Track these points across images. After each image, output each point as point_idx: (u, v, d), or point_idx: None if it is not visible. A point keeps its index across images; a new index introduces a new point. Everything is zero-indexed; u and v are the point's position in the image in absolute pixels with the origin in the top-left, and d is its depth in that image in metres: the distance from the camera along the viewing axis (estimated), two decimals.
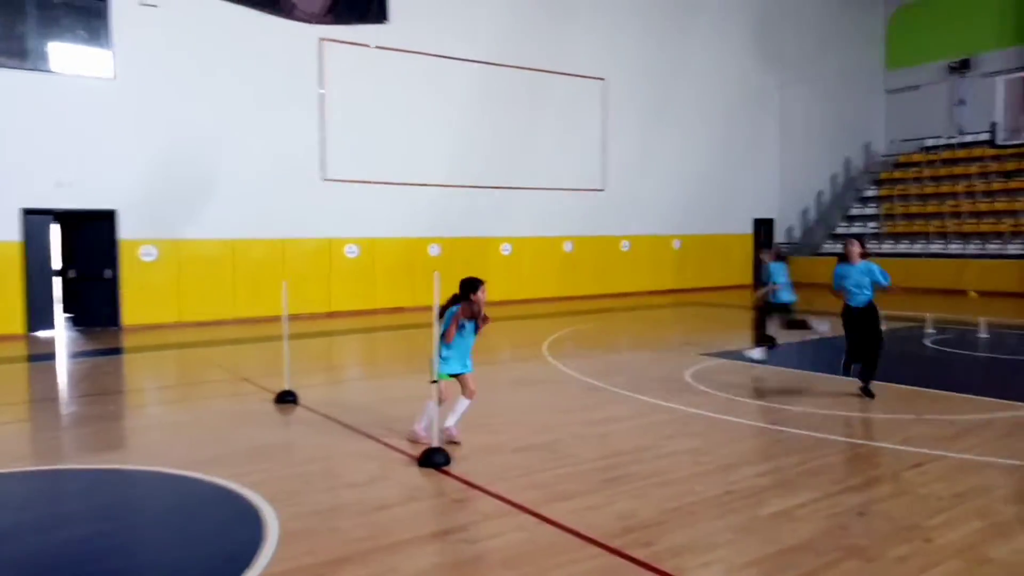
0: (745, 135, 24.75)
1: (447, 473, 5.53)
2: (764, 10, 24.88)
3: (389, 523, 4.61)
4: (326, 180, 16.81)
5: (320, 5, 16.17)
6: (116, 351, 12.37)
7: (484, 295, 6.22)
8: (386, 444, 6.32)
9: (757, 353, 10.30)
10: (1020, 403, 7.52)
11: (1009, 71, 22.72)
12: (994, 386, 8.61)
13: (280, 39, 15.98)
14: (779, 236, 26.15)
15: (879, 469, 5.46)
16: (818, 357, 11.32)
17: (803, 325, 10.39)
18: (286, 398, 8.01)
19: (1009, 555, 4.01)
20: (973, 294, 14.87)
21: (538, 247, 20.17)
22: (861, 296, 7.78)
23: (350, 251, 17.21)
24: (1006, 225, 21.84)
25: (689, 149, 23.24)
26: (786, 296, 10.24)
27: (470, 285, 6.23)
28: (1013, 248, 21.14)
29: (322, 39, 16.50)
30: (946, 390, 8.21)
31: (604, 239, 21.51)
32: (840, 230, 26.08)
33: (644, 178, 22.25)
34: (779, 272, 10.22)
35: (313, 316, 16.28)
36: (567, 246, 20.79)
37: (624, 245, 22.00)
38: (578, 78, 20.55)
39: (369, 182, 17.32)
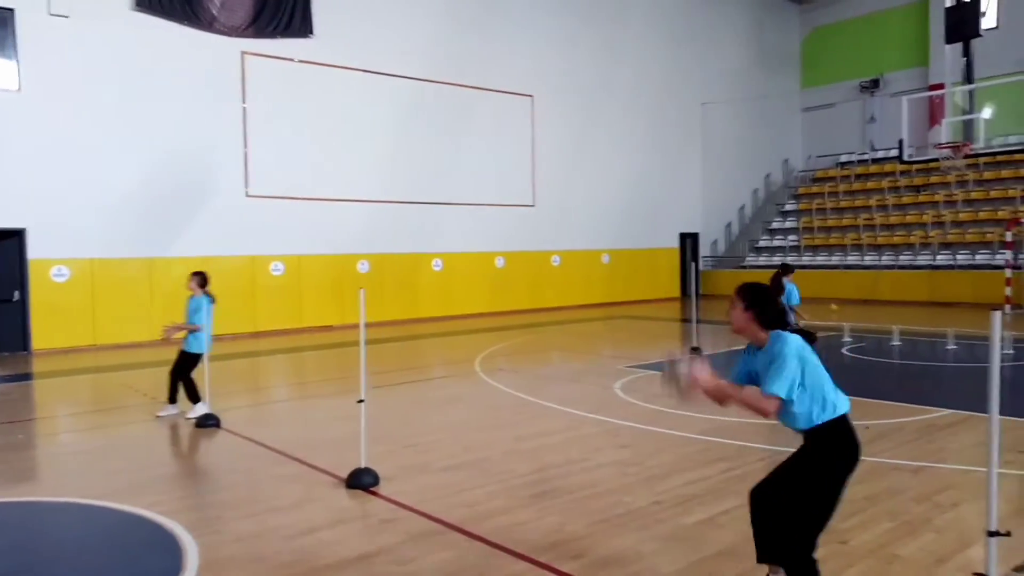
0: (670, 151, 25.38)
1: (375, 494, 5.45)
2: (686, 30, 25.63)
3: (316, 547, 4.50)
4: (250, 196, 16.45)
5: (242, 18, 15.93)
6: (25, 377, 11.76)
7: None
8: (312, 466, 6.18)
9: (170, 410, 8.21)
10: (928, 407, 7.89)
11: (913, 91, 24.00)
12: (906, 391, 9.01)
13: (200, 52, 15.61)
14: (704, 250, 26.86)
15: None
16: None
17: (193, 393, 8.16)
18: (207, 422, 7.75)
19: (915, 552, 4.19)
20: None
21: (470, 263, 20.17)
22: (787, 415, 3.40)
23: (275, 269, 16.86)
24: (915, 237, 22.96)
25: (616, 165, 23.69)
26: (199, 344, 8.09)
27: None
28: (922, 259, 22.22)
29: (244, 52, 16.19)
30: (862, 396, 8.53)
31: (535, 254, 21.67)
32: (763, 243, 26.96)
33: (573, 194, 22.55)
34: (207, 310, 8.12)
35: (237, 336, 15.84)
36: (499, 261, 20.86)
37: (555, 260, 22.21)
38: (506, 95, 20.73)
39: (295, 198, 17.03)
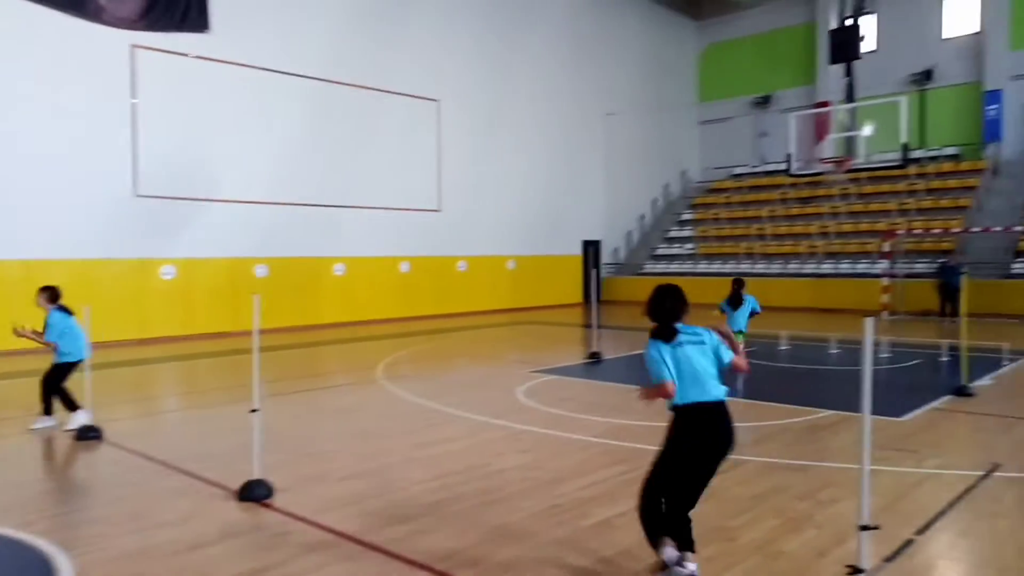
0: (573, 160, 25.83)
1: (268, 506, 5.27)
2: (588, 40, 26.19)
3: (203, 563, 4.31)
4: (139, 196, 15.66)
5: (132, 10, 15.17)
6: None
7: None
8: (202, 479, 5.92)
9: (45, 422, 7.73)
10: (813, 408, 8.30)
11: (800, 108, 25.34)
12: (791, 394, 9.45)
13: (86, 44, 14.76)
14: (606, 257, 27.45)
15: None
16: (641, 371, 11.95)
17: (69, 402, 7.69)
18: (88, 434, 7.31)
19: (799, 548, 4.39)
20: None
21: (373, 268, 19.88)
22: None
23: (166, 272, 16.12)
24: (802, 247, 24.20)
25: (521, 172, 23.91)
26: (68, 355, 7.73)
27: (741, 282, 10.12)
28: (808, 268, 23.44)
29: (134, 46, 15.42)
30: (751, 399, 8.91)
31: (441, 259, 21.58)
32: (661, 251, 27.78)
33: (479, 199, 22.62)
34: (61, 324, 7.72)
35: (124, 343, 15.04)
36: (403, 266, 20.66)
37: (461, 265, 22.18)
38: (412, 98, 20.58)
39: (188, 199, 16.34)
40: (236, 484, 5.55)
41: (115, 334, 14.83)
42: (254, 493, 5.39)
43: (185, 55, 16.07)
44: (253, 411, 5.50)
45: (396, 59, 20.24)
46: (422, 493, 5.52)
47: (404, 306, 20.47)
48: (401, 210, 20.47)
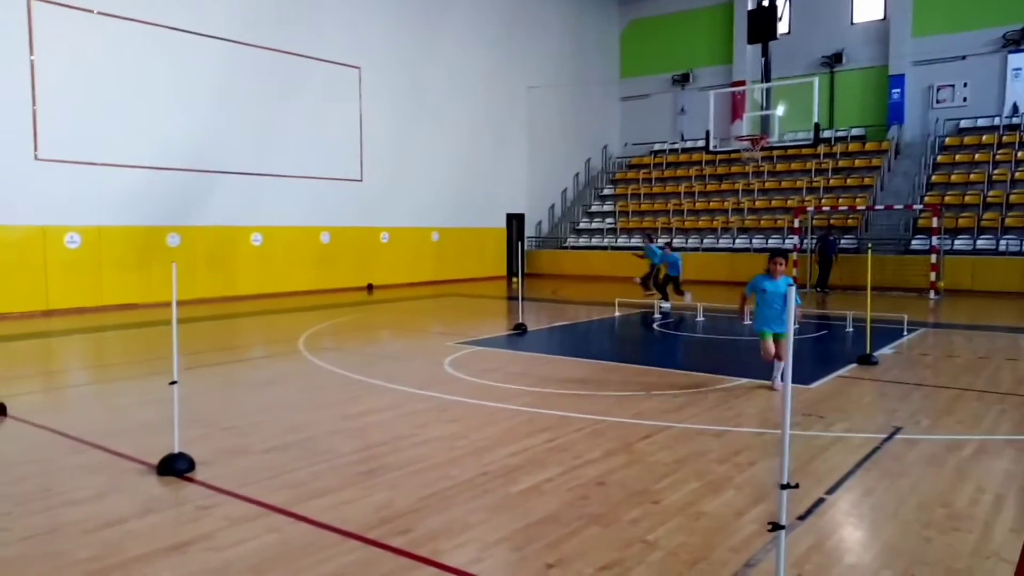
0: (497, 133, 25.76)
1: (190, 480, 5.13)
2: (514, 13, 26.04)
3: (122, 539, 4.17)
4: (40, 160, 14.78)
5: None
6: None
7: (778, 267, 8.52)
8: (118, 454, 5.71)
9: None
10: (727, 376, 8.62)
11: (718, 86, 25.93)
12: (708, 363, 9.78)
13: None
14: (529, 230, 27.60)
15: (615, 442, 5.96)
16: (565, 342, 12.12)
17: None
18: None
19: (719, 508, 4.58)
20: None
21: (292, 237, 19.41)
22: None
23: (71, 240, 15.32)
24: (718, 222, 24.91)
25: (445, 143, 23.70)
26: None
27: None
28: (724, 243, 24.18)
29: None
30: (670, 368, 9.18)
31: (363, 230, 21.24)
32: (583, 225, 28.12)
33: (402, 170, 22.32)
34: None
35: (26, 315, 14.27)
36: (324, 237, 20.25)
37: (384, 237, 21.91)
38: (333, 65, 20.05)
39: (95, 163, 15.52)
40: (155, 459, 5.38)
41: (15, 305, 14.07)
42: (175, 467, 5.23)
43: (90, 11, 15.16)
44: (172, 383, 5.32)
45: (317, 24, 19.65)
46: (348, 464, 5.48)
47: (325, 277, 20.11)
48: (321, 179, 20.01)
